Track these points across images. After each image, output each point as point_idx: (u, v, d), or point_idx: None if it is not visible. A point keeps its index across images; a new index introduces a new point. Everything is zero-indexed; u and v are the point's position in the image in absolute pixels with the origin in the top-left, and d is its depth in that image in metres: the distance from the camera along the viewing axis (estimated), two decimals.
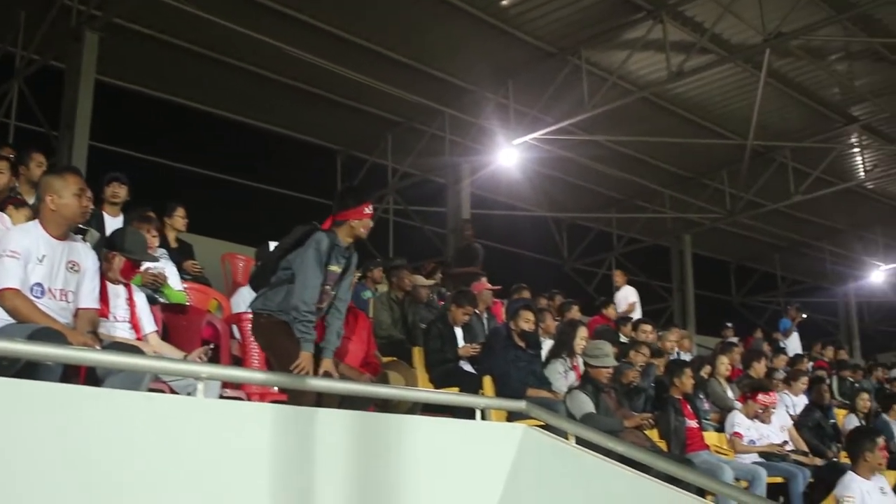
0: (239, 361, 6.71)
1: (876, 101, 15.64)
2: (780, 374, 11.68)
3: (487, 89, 14.69)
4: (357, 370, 6.53)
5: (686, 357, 11.73)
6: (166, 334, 6.00)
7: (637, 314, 13.52)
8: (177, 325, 6.35)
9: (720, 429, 9.26)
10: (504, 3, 12.49)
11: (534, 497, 4.99)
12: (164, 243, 7.90)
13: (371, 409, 5.69)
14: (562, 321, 10.00)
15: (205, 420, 4.00)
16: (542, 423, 5.57)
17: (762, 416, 9.21)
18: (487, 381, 7.91)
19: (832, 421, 10.80)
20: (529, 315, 8.34)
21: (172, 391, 5.17)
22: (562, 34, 13.39)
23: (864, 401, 11.20)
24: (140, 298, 5.62)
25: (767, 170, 17.45)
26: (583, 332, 8.56)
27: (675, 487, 5.24)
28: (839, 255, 24.05)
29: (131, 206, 7.99)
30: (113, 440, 3.63)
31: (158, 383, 5.16)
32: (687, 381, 8.71)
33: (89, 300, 4.86)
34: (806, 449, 9.61)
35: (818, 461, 9.26)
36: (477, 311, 9.51)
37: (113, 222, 7.69)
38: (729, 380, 10.30)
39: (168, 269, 7.20)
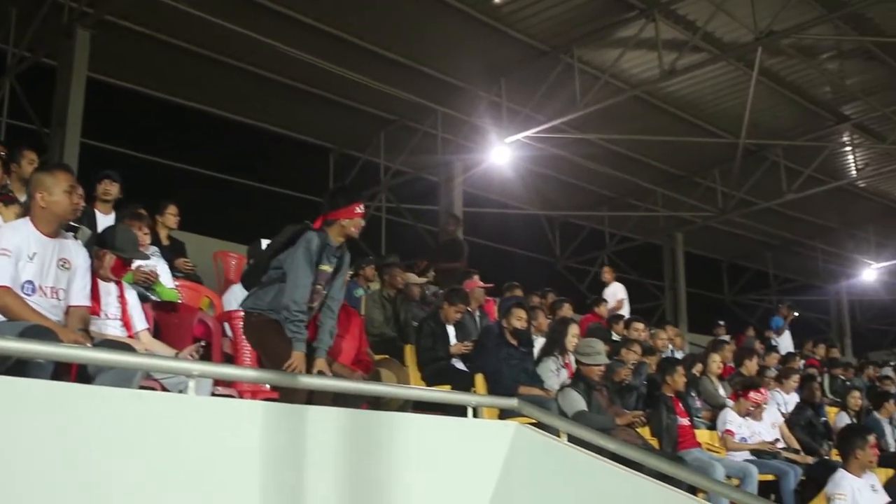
0: (231, 359, 6.71)
1: (867, 99, 15.68)
2: (772, 372, 11.70)
3: (480, 87, 14.69)
4: (349, 368, 6.53)
5: (679, 355, 11.74)
6: (158, 332, 5.99)
7: (625, 311, 13.53)
8: (168, 322, 6.34)
9: (712, 426, 9.26)
10: (497, 1, 12.48)
11: (525, 494, 4.99)
12: (155, 241, 7.89)
13: (363, 406, 5.69)
14: (553, 319, 10.01)
15: (196, 417, 4.00)
16: (533, 421, 5.56)
17: (754, 413, 9.23)
18: (479, 379, 7.90)
19: (823, 419, 10.82)
20: (522, 313, 8.33)
21: (164, 389, 5.16)
22: (554, 32, 13.39)
23: (856, 399, 11.23)
24: (131, 296, 5.61)
25: (759, 168, 17.49)
26: (574, 330, 8.58)
27: (666, 485, 5.24)
28: (831, 254, 24.12)
29: (123, 204, 7.97)
30: (104, 437, 3.63)
31: (150, 381, 5.15)
32: (679, 378, 8.73)
33: (80, 298, 4.84)
34: (797, 446, 9.64)
35: (809, 459, 9.29)
36: (469, 309, 9.52)
37: (105, 220, 7.66)
38: (721, 378, 10.31)
39: (160, 266, 7.20)
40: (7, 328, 4.21)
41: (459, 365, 8.42)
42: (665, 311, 20.90)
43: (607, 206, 20.38)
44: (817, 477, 8.42)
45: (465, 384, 7.76)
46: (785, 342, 16.32)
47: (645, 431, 8.14)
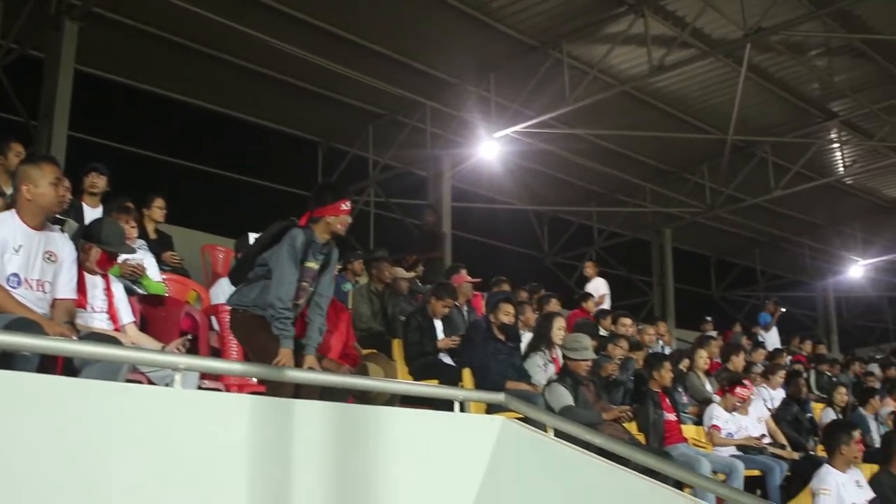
0: (217, 353, 6.70)
1: (855, 96, 15.73)
2: (759, 368, 11.74)
3: (469, 82, 14.68)
4: (336, 362, 6.52)
5: (667, 350, 11.79)
6: (144, 325, 5.97)
7: (606, 306, 13.57)
8: (155, 316, 6.33)
9: (698, 422, 9.30)
10: None
11: (512, 489, 5.00)
12: (143, 234, 7.87)
13: (350, 400, 5.68)
14: (540, 314, 10.02)
15: (182, 411, 3.99)
16: (520, 416, 5.58)
17: (740, 408, 9.27)
18: (467, 374, 7.91)
19: (809, 415, 10.88)
20: (509, 308, 8.34)
21: (150, 382, 5.15)
22: (544, 28, 13.40)
23: (842, 395, 11.30)
24: (118, 289, 5.59)
25: (747, 164, 17.55)
26: (559, 323, 8.59)
27: (653, 480, 5.26)
28: (818, 250, 24.21)
29: (111, 197, 7.95)
30: (90, 430, 3.62)
31: (136, 374, 5.14)
32: (666, 374, 8.76)
33: (66, 290, 4.83)
34: (783, 440, 9.68)
35: (795, 455, 9.33)
36: (457, 304, 9.52)
37: (92, 213, 7.65)
38: (707, 373, 10.35)
39: (147, 260, 7.19)
40: None
41: (447, 359, 8.44)
42: (653, 306, 20.95)
43: (596, 202, 20.41)
44: (803, 472, 8.46)
45: (452, 379, 7.78)
46: (772, 338, 16.39)
47: (631, 426, 8.16)
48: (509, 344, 8.27)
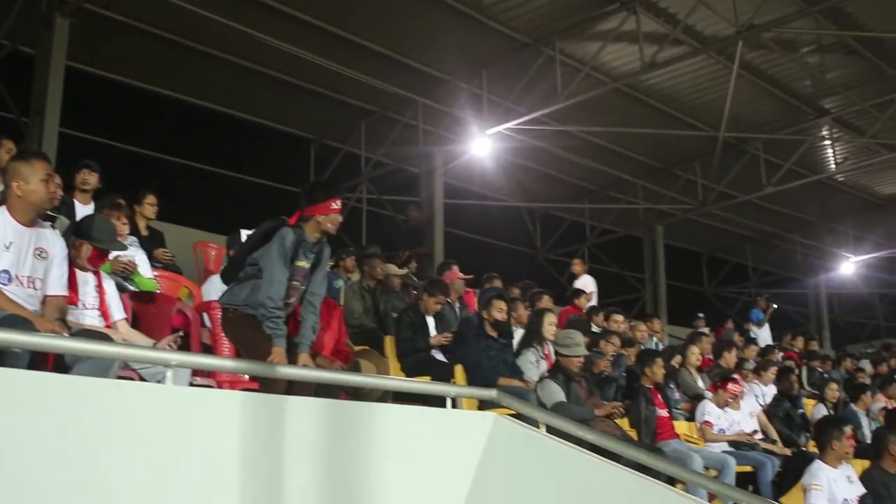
0: (209, 349, 6.69)
1: (847, 94, 15.75)
2: (751, 365, 11.76)
3: (461, 79, 14.68)
4: (328, 358, 6.52)
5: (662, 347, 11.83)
6: (136, 322, 5.97)
7: (594, 303, 13.56)
8: (147, 312, 6.32)
9: (690, 418, 9.31)
10: None
11: (504, 485, 5.00)
12: (134, 231, 7.86)
13: (342, 397, 5.68)
14: (532, 310, 10.02)
15: (174, 407, 3.98)
16: (513, 412, 5.57)
17: (731, 404, 9.29)
18: (459, 370, 7.91)
19: (801, 411, 10.90)
20: (502, 304, 8.34)
21: (141, 379, 5.14)
22: (536, 25, 13.39)
23: (833, 391, 11.32)
24: (109, 286, 5.58)
25: (739, 161, 17.59)
26: (550, 319, 8.59)
27: (644, 476, 5.26)
28: (810, 247, 24.27)
29: (102, 194, 7.93)
30: (81, 427, 3.61)
31: (127, 371, 5.13)
32: (658, 370, 8.77)
33: (57, 287, 4.82)
34: (775, 435, 9.70)
35: (787, 451, 9.35)
36: (449, 301, 9.52)
37: (84, 210, 7.64)
38: (699, 370, 10.37)
39: (138, 256, 7.17)
40: None
41: (439, 356, 8.43)
42: (645, 303, 20.98)
43: (588, 199, 20.42)
44: (794, 468, 8.48)
45: (444, 375, 7.77)
46: (764, 335, 16.43)
47: (624, 423, 8.17)
48: (501, 340, 8.26)
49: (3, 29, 11.83)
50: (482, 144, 14.97)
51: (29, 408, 3.50)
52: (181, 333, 5.68)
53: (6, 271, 4.56)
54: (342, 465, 4.46)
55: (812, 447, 8.93)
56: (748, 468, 8.62)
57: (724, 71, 14.54)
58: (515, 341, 8.72)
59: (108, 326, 5.35)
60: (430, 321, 8.68)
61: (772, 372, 11.32)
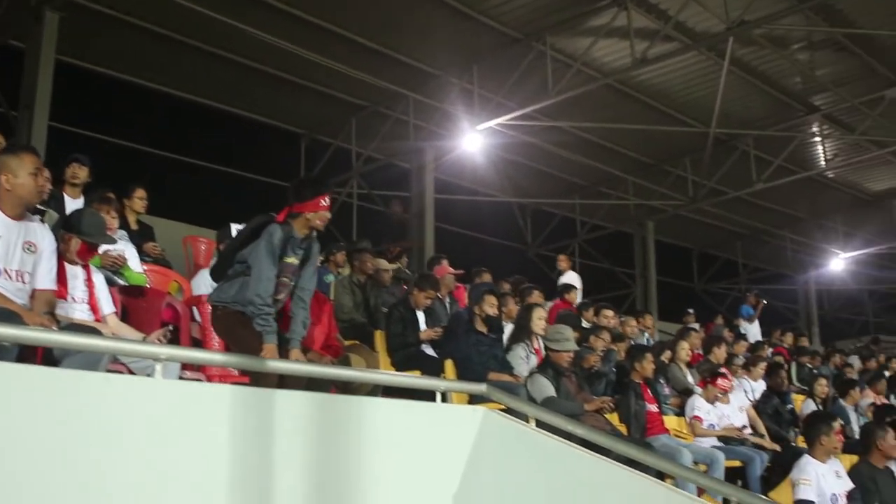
0: (199, 344, 6.67)
1: (837, 90, 15.78)
2: (740, 360, 11.79)
3: (452, 74, 14.67)
4: (318, 353, 6.52)
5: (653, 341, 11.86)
6: (126, 316, 5.95)
7: (578, 300, 13.57)
8: (136, 307, 6.30)
9: (680, 413, 9.34)
10: None
11: (493, 479, 5.00)
12: (124, 225, 7.83)
13: (332, 391, 5.68)
14: (522, 305, 10.03)
15: (163, 401, 3.97)
16: (502, 407, 5.58)
17: (721, 399, 9.32)
18: (449, 365, 7.91)
19: (790, 406, 10.93)
20: (494, 299, 8.34)
21: (131, 373, 5.13)
22: (527, 20, 13.39)
23: (822, 386, 11.35)
24: (99, 279, 5.57)
25: (730, 157, 17.60)
26: (539, 314, 8.60)
27: (634, 470, 5.26)
28: (800, 244, 24.34)
29: (92, 188, 7.91)
30: (70, 420, 3.60)
31: (117, 365, 5.11)
32: (648, 365, 8.78)
33: (46, 281, 4.80)
34: (763, 430, 9.74)
35: (776, 446, 9.38)
36: (439, 296, 9.53)
37: (74, 204, 7.61)
38: (689, 365, 10.40)
39: (128, 250, 7.15)
40: None
41: (429, 351, 8.43)
42: (636, 299, 21.01)
43: (578, 194, 20.44)
44: (783, 463, 8.51)
45: (434, 370, 7.78)
46: (753, 330, 16.46)
47: (613, 417, 8.19)
48: (491, 335, 8.27)
49: None
50: (473, 140, 14.97)
51: (17, 401, 3.49)
52: (171, 327, 5.66)
53: None
54: (332, 458, 4.46)
55: (801, 442, 8.96)
56: (737, 463, 8.67)
57: (714, 67, 14.56)
58: (505, 336, 8.73)
59: (97, 320, 5.33)
60: (421, 316, 8.69)
61: (761, 367, 11.35)
